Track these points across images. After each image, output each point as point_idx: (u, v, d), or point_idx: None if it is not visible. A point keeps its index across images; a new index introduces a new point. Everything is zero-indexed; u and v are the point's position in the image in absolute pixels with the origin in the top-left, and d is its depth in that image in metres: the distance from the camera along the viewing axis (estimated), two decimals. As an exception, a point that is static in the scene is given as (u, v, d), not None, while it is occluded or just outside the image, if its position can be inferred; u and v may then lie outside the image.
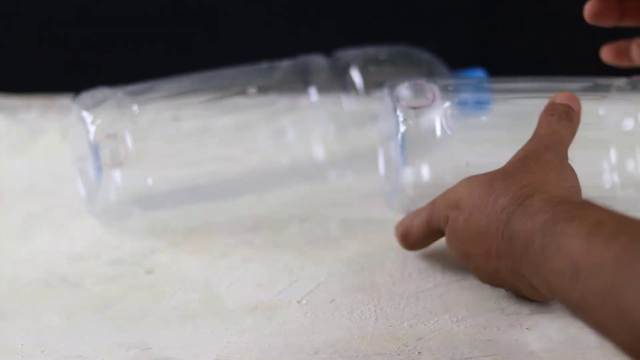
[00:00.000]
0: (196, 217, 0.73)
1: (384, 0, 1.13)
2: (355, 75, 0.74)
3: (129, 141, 0.69)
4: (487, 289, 0.61)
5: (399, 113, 0.66)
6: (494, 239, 0.56)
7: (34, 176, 0.87)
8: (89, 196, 0.72)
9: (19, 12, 1.16)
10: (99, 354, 0.55)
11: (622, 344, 0.45)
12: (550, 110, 0.64)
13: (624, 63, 0.71)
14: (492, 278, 0.59)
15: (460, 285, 0.62)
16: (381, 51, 0.77)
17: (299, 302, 0.61)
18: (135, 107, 0.71)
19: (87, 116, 0.69)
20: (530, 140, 0.62)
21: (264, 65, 0.75)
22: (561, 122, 0.63)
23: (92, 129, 0.69)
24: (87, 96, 0.71)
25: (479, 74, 0.76)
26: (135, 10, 1.15)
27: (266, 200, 0.74)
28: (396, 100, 0.67)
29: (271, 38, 1.11)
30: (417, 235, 0.64)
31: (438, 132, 0.66)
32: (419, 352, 0.54)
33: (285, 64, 0.74)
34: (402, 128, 0.66)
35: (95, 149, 0.68)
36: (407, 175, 0.67)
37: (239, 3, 1.16)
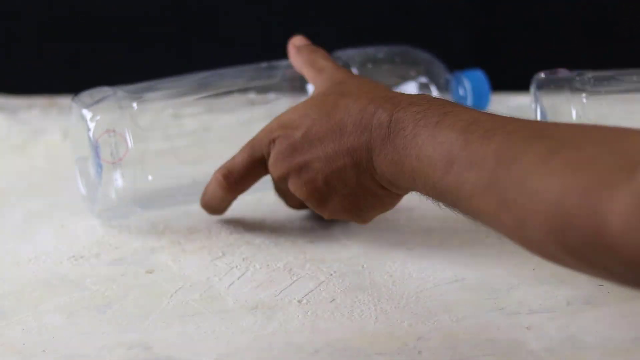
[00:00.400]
0: (196, 217, 0.73)
1: (384, 1, 1.14)
2: None
3: (129, 138, 0.69)
4: (487, 289, 0.61)
5: (533, 91, 0.67)
6: (349, 135, 0.58)
7: (35, 176, 0.87)
8: (90, 195, 0.71)
9: (19, 12, 1.16)
10: (99, 354, 0.55)
11: (503, 230, 0.48)
12: (306, 53, 0.68)
13: None
14: (328, 182, 0.60)
15: (460, 285, 0.62)
16: (380, 50, 0.77)
17: (299, 301, 0.61)
18: (135, 105, 0.70)
19: (87, 113, 0.69)
20: (320, 77, 0.65)
21: (263, 64, 0.75)
22: (320, 53, 0.68)
23: (91, 125, 0.68)
24: (86, 95, 0.71)
25: (478, 75, 0.76)
26: (136, 11, 1.16)
27: (266, 200, 0.74)
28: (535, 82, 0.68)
29: (271, 38, 1.11)
30: (240, 170, 0.65)
31: (569, 96, 0.66)
32: (419, 352, 0.54)
33: (284, 63, 0.74)
34: (539, 107, 0.67)
35: (95, 146, 0.68)
36: None
37: (239, 3, 1.16)
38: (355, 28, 1.15)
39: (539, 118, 0.67)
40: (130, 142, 0.69)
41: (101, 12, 1.16)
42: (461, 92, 0.75)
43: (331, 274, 0.64)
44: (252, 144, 0.65)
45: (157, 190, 0.71)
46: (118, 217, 0.72)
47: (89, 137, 0.69)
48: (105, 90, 0.71)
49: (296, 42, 0.71)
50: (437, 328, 0.57)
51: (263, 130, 0.64)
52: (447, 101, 0.56)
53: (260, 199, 0.75)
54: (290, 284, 0.63)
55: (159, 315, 0.59)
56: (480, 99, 0.75)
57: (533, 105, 0.73)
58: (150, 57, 1.16)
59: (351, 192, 0.61)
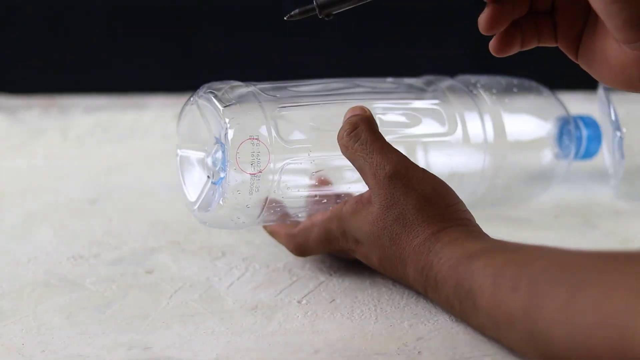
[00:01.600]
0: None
1: (384, 2, 1.13)
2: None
3: (270, 148, 0.61)
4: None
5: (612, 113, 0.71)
6: (417, 286, 0.59)
7: (34, 176, 0.87)
8: (199, 198, 0.64)
9: (20, 12, 1.17)
10: (99, 354, 0.55)
11: None
12: (352, 136, 0.61)
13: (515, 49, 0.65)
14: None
15: (460, 285, 0.62)
16: (502, 80, 0.74)
17: (299, 301, 0.61)
18: (278, 110, 0.62)
19: (227, 114, 0.60)
20: (369, 184, 0.60)
21: (389, 79, 0.69)
22: (361, 143, 0.60)
23: (232, 130, 0.60)
24: (220, 89, 0.62)
25: (593, 121, 0.77)
26: (136, 11, 1.16)
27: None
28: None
29: (273, 42, 1.11)
30: (313, 252, 0.64)
31: None
32: (419, 352, 0.54)
33: (409, 81, 0.69)
34: (623, 129, 0.72)
35: (233, 153, 0.60)
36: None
37: (240, 4, 1.16)
38: (357, 30, 1.15)
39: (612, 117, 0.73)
40: (271, 153, 0.61)
41: (101, 12, 1.17)
42: (577, 133, 0.75)
43: (331, 274, 0.64)
44: (328, 239, 0.62)
45: (278, 207, 0.63)
46: (223, 227, 0.64)
47: (225, 141, 0.60)
48: (239, 85, 0.63)
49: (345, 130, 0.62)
50: (437, 328, 0.57)
51: (339, 230, 0.62)
52: (469, 253, 0.55)
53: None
54: (290, 284, 0.63)
55: (159, 316, 0.59)
56: (594, 142, 0.77)
57: (603, 108, 0.75)
58: (150, 57, 1.16)
59: None
